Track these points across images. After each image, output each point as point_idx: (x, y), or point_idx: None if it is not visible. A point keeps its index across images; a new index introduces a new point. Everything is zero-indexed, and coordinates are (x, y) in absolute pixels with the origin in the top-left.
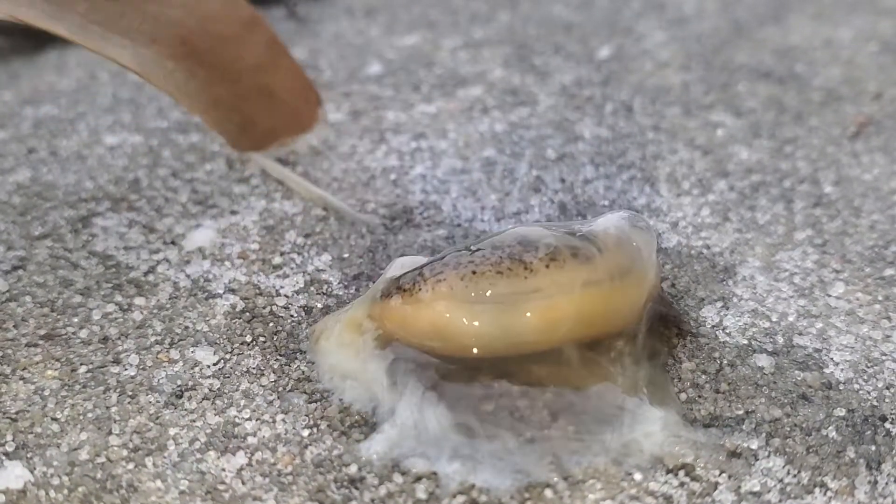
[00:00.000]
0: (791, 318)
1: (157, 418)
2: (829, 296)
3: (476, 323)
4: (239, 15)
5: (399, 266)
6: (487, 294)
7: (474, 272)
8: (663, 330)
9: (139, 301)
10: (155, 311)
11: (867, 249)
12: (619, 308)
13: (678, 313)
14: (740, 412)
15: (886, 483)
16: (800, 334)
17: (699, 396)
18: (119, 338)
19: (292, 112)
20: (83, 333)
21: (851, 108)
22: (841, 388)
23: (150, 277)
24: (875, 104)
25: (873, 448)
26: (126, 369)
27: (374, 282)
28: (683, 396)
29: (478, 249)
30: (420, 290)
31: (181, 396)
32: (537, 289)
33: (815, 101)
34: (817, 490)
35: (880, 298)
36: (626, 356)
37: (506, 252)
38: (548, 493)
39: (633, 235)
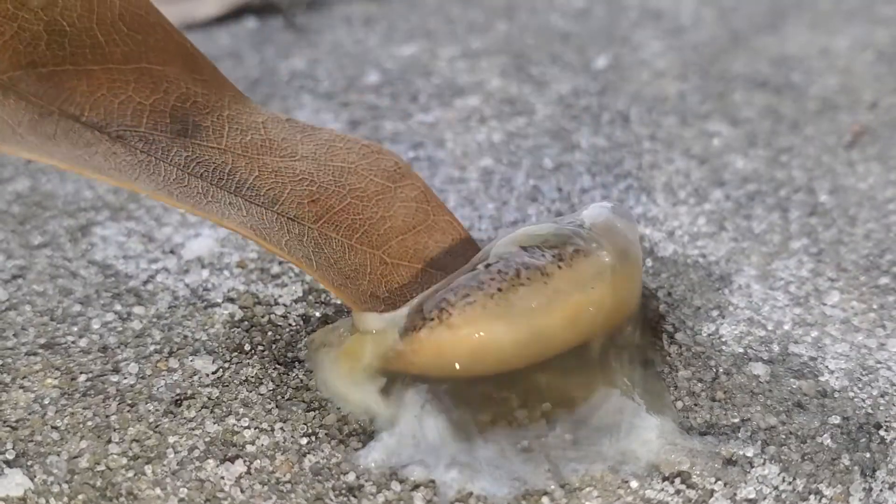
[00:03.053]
0: (786, 327)
1: (157, 426)
2: (825, 304)
3: (512, 336)
4: (382, 166)
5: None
6: (517, 306)
7: (500, 289)
8: (653, 325)
9: (138, 310)
10: (154, 319)
11: (862, 258)
12: (627, 291)
13: (659, 308)
14: (736, 420)
15: (881, 490)
16: (795, 343)
17: (695, 404)
18: (118, 346)
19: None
20: (83, 342)
21: (847, 117)
22: (836, 396)
23: (149, 286)
24: (871, 113)
25: (868, 455)
26: (125, 378)
27: None
28: (679, 404)
29: (489, 265)
30: (450, 315)
31: (180, 405)
32: (558, 290)
33: (811, 110)
34: (812, 497)
35: (875, 307)
36: (624, 355)
37: (520, 262)
38: (545, 500)
39: (619, 221)
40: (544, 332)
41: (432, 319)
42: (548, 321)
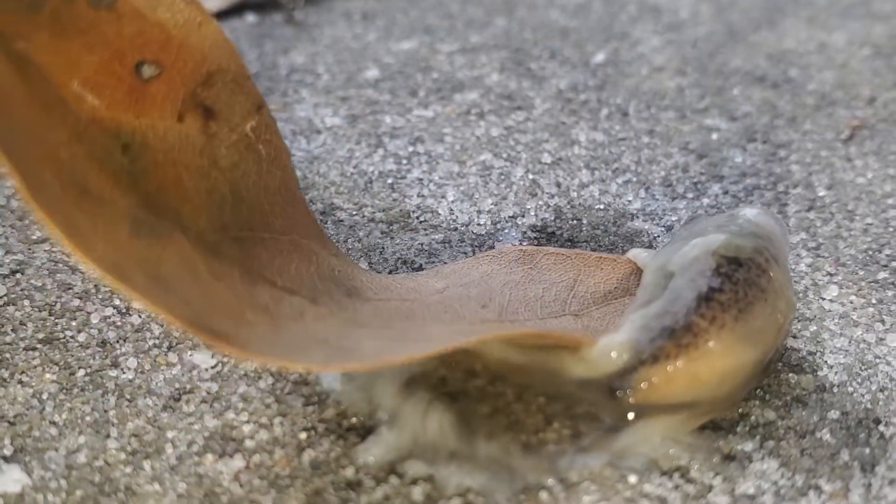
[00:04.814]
0: None
1: (155, 421)
2: (823, 299)
3: (757, 358)
4: (510, 258)
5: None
6: (752, 326)
7: (741, 310)
8: None
9: (137, 305)
10: (153, 314)
11: (861, 253)
12: None
13: None
14: (734, 415)
15: (881, 486)
16: (794, 337)
17: None
18: (117, 341)
19: None
20: (81, 337)
21: (845, 112)
22: (835, 390)
23: None
24: (869, 108)
25: (867, 451)
26: (124, 373)
27: None
28: None
29: (719, 287)
30: (708, 341)
31: (179, 400)
32: (773, 306)
33: (809, 106)
34: (811, 493)
35: (874, 301)
36: None
37: (741, 278)
38: (543, 495)
39: (779, 230)
40: (769, 352)
41: (685, 346)
42: (772, 339)
